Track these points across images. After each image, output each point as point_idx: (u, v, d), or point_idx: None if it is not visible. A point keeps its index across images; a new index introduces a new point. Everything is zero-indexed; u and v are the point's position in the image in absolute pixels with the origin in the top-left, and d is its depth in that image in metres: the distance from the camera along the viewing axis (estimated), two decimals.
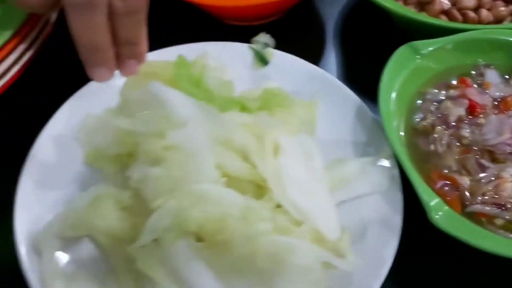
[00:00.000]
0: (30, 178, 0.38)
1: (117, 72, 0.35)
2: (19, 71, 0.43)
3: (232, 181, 0.33)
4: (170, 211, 0.30)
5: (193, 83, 0.37)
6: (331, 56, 0.51)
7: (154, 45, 0.43)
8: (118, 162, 0.38)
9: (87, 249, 0.36)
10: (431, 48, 0.42)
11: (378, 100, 0.39)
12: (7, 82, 0.42)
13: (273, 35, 0.45)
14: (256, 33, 0.45)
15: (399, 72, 0.41)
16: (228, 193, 0.31)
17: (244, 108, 0.37)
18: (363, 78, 0.44)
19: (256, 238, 0.30)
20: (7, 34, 0.40)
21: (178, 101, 0.32)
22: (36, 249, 0.35)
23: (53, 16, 0.45)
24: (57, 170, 0.39)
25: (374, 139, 0.40)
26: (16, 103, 0.45)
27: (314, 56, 0.49)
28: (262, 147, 0.34)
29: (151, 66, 0.39)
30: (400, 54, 0.41)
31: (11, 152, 0.40)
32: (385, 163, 0.38)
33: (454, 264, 0.37)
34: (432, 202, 0.33)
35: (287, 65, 0.45)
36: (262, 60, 0.45)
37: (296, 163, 0.34)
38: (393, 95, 0.40)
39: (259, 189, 0.34)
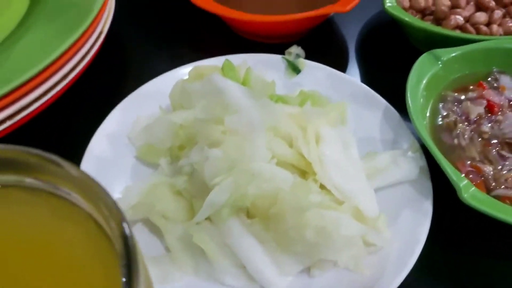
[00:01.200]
0: (87, 170, 0.41)
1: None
2: (75, 76, 0.47)
3: (279, 164, 0.36)
4: (228, 187, 0.34)
5: (240, 84, 0.41)
6: (354, 67, 0.55)
7: (197, 59, 0.48)
8: (168, 154, 0.42)
9: (142, 233, 0.39)
10: (451, 55, 0.46)
11: (406, 100, 0.42)
12: (66, 85, 0.46)
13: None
14: (283, 51, 0.50)
15: (423, 76, 0.45)
16: (279, 171, 0.35)
17: (286, 103, 0.41)
18: (384, 86, 0.49)
19: (306, 211, 0.33)
20: (68, 43, 0.45)
21: (235, 91, 0.36)
22: None
23: (106, 28, 0.50)
24: (111, 163, 0.43)
25: (401, 135, 0.44)
26: (75, 104, 0.49)
27: (340, 66, 0.53)
28: (305, 135, 0.37)
29: (200, 69, 0.43)
30: (423, 60, 0.46)
31: (71, 147, 0.44)
32: (414, 155, 0.42)
33: (480, 244, 0.40)
34: (462, 183, 0.36)
35: (317, 73, 0.49)
36: (295, 69, 0.50)
37: (336, 150, 0.38)
38: (419, 95, 0.44)
39: (302, 174, 0.38)
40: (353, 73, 0.55)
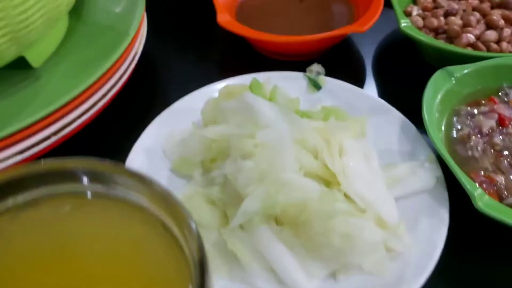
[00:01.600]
0: None
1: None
2: (112, 95, 0.51)
3: (307, 175, 0.39)
4: (260, 196, 0.37)
5: (267, 100, 0.44)
6: (371, 83, 0.58)
7: (223, 77, 0.51)
8: (201, 167, 0.45)
9: None
10: (463, 72, 0.49)
11: (422, 115, 0.45)
12: (103, 104, 0.50)
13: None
14: (303, 68, 0.54)
15: (437, 92, 0.48)
16: (307, 181, 0.38)
17: (310, 118, 0.44)
18: (400, 101, 0.52)
19: (333, 218, 0.36)
20: (105, 66, 0.48)
21: (265, 108, 0.39)
22: None
23: (140, 49, 0.54)
24: (148, 175, 0.46)
25: (418, 147, 0.47)
26: (112, 122, 0.53)
27: (358, 83, 0.56)
28: (330, 147, 0.40)
29: (230, 88, 0.47)
30: (437, 77, 0.49)
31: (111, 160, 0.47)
32: (431, 166, 0.45)
33: (493, 251, 0.43)
34: (476, 192, 0.39)
35: (337, 89, 0.52)
36: (316, 86, 0.53)
37: (358, 162, 0.41)
38: (434, 109, 0.47)
39: (328, 184, 0.41)
40: (371, 89, 0.58)
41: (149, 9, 0.59)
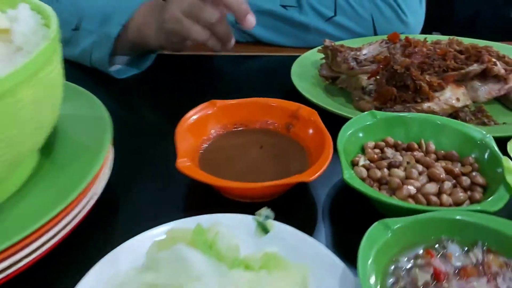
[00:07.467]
0: None
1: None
2: (66, 234, 0.53)
3: None
4: None
5: (208, 246, 0.46)
6: (321, 227, 0.61)
7: (177, 216, 0.54)
8: None
9: None
10: (399, 225, 0.52)
11: (357, 267, 0.47)
12: (57, 241, 0.52)
13: (273, 210, 0.56)
14: (258, 208, 0.57)
15: (374, 244, 0.50)
16: None
17: (247, 267, 0.45)
18: (347, 246, 0.53)
19: None
20: (62, 205, 0.51)
21: (197, 259, 0.41)
22: None
23: (100, 189, 0.57)
24: None
25: None
26: (62, 259, 0.54)
27: (307, 227, 0.59)
28: None
29: (174, 232, 0.49)
30: (374, 229, 0.51)
31: None
32: None
33: None
34: None
35: (284, 234, 0.54)
36: (264, 229, 0.55)
37: None
38: (369, 261, 0.48)
39: None
40: (319, 233, 0.60)
41: (117, 148, 0.63)
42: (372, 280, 0.47)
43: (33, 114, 0.49)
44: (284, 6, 1.05)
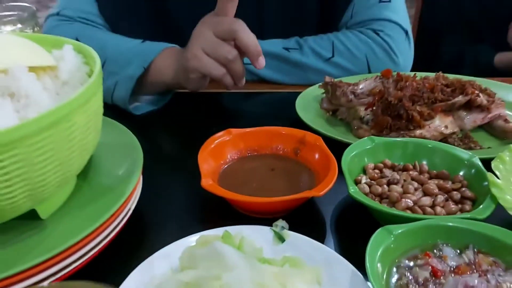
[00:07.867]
0: None
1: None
2: (106, 244, 0.60)
3: None
4: None
5: (236, 248, 0.53)
6: (330, 236, 0.68)
7: (201, 229, 0.61)
8: None
9: None
10: (400, 231, 0.59)
11: (366, 267, 0.54)
12: (98, 250, 0.58)
13: (287, 223, 0.64)
14: (271, 223, 0.64)
15: (378, 248, 0.57)
16: None
17: (271, 264, 0.52)
18: (353, 252, 0.60)
19: None
20: (100, 221, 0.58)
21: (232, 254, 0.48)
22: None
23: (133, 207, 0.64)
24: None
25: None
26: (102, 268, 0.60)
27: (317, 237, 0.65)
28: None
29: (205, 237, 0.56)
30: (378, 235, 0.58)
31: None
32: None
33: None
34: None
35: (298, 242, 0.61)
36: (280, 238, 0.62)
37: None
38: (376, 263, 0.55)
39: None
40: (329, 241, 0.67)
41: (144, 171, 0.71)
42: (380, 277, 0.54)
43: (82, 137, 0.57)
44: (286, 49, 1.15)
